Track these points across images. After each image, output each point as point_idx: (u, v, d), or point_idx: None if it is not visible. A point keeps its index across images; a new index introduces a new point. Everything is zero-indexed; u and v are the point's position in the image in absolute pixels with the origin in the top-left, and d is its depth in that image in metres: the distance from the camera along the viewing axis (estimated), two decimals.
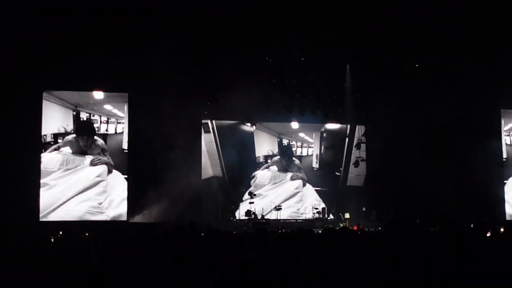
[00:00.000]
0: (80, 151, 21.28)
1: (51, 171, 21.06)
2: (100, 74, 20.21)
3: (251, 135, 24.06)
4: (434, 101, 23.36)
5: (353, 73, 22.87)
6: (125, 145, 21.24)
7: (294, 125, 24.92)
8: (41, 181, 20.79)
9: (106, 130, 21.48)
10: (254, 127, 24.21)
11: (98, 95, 21.34)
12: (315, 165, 25.31)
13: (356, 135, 25.18)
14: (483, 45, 19.74)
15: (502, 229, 15.16)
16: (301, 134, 25.43)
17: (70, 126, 21.16)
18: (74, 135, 21.28)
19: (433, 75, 21.88)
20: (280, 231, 14.53)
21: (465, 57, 20.92)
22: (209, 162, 22.31)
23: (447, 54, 20.83)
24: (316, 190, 24.45)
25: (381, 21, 18.50)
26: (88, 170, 21.45)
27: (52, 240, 10.35)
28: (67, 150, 21.20)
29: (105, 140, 21.66)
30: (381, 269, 3.11)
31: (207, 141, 21.92)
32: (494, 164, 22.89)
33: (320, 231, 6.08)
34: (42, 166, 20.89)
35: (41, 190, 20.75)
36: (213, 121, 22.94)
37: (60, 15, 17.84)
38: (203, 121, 23.19)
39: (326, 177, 25.17)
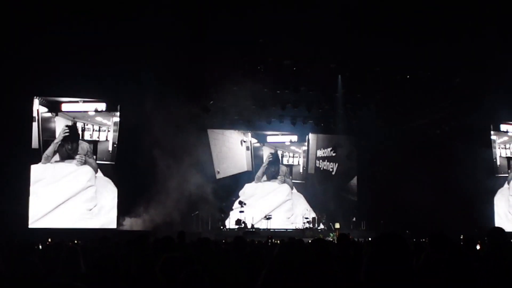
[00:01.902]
0: (67, 156, 21.63)
1: (40, 178, 21.10)
2: (92, 83, 20.29)
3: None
4: (425, 113, 23.47)
5: (345, 84, 22.95)
6: (110, 148, 22.18)
7: (287, 142, 27.19)
8: (31, 188, 20.79)
9: (98, 137, 22.22)
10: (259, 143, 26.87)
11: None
12: (301, 170, 27.30)
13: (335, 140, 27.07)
14: (475, 57, 19.84)
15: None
16: (293, 147, 27.30)
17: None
18: (60, 141, 21.57)
19: (424, 87, 21.98)
20: (270, 240, 14.51)
21: (456, 70, 21.03)
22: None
23: (439, 67, 20.92)
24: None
25: (373, 33, 18.57)
26: (76, 176, 21.60)
27: (40, 247, 10.29)
28: (55, 157, 21.43)
29: (96, 146, 22.09)
30: (371, 282, 3.10)
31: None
32: (484, 176, 22.97)
33: (310, 241, 6.08)
34: (31, 173, 20.92)
35: (30, 197, 20.73)
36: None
37: (55, 25, 17.81)
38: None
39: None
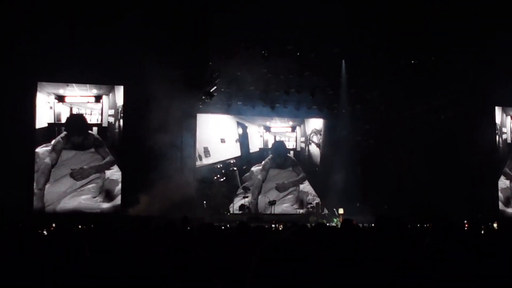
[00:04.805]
0: (73, 147, 21.79)
1: (46, 165, 21.20)
2: (96, 67, 20.30)
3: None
4: (429, 98, 23.38)
5: (349, 69, 22.85)
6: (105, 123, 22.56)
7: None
8: (35, 174, 20.85)
9: (90, 120, 22.40)
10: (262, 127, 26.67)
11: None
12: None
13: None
14: (478, 42, 19.73)
15: (495, 225, 15.21)
16: (289, 134, 26.96)
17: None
18: (65, 133, 21.75)
19: (429, 72, 21.86)
20: (274, 226, 14.57)
21: (460, 55, 20.91)
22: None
23: (443, 51, 20.81)
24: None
25: (377, 17, 18.47)
26: (81, 162, 21.75)
27: (45, 233, 10.34)
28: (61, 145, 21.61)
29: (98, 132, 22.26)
30: (372, 265, 3.10)
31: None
32: (488, 161, 22.94)
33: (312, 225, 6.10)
34: (37, 160, 21.01)
35: (35, 183, 20.80)
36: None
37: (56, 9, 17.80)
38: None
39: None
